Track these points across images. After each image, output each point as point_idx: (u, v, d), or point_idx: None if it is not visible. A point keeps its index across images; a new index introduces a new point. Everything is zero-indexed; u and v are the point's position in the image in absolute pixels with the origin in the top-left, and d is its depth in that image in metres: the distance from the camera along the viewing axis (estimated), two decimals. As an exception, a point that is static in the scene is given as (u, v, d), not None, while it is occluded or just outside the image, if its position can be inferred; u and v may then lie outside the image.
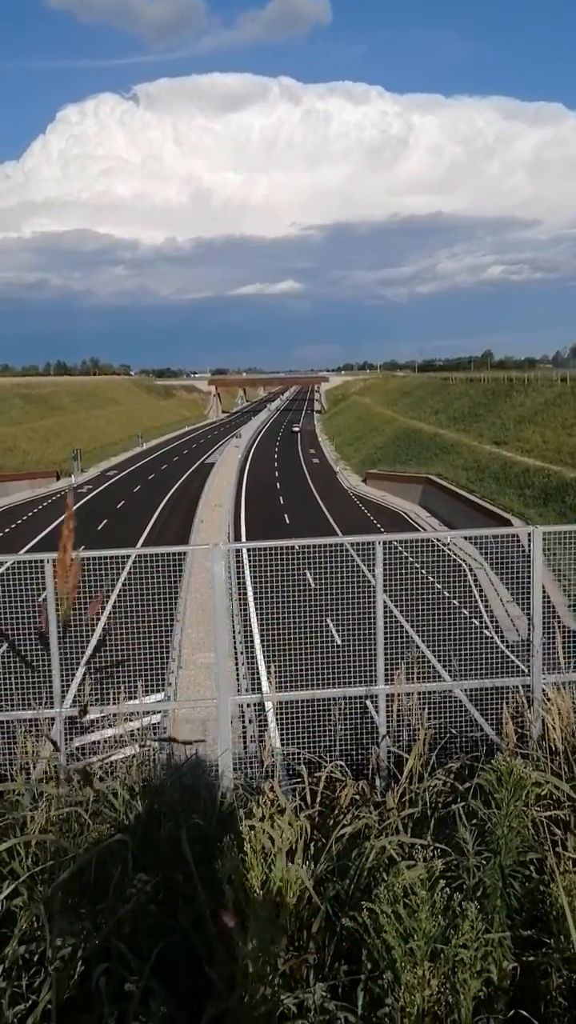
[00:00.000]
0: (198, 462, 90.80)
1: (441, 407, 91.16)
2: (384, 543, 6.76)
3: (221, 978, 2.52)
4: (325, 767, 4.31)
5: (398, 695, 6.11)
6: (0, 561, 7.13)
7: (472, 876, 2.88)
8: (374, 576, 7.02)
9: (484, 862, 2.97)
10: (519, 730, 5.17)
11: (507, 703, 5.51)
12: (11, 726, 5.88)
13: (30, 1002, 2.49)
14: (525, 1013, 2.35)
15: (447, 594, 13.52)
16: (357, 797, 4.10)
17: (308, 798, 4.02)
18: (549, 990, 2.54)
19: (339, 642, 10.46)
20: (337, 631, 12.20)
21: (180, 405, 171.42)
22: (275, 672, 7.08)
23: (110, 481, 77.70)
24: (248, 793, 4.54)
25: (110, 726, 6.16)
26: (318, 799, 3.98)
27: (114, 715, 6.15)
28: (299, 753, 4.91)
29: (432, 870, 2.51)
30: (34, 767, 4.73)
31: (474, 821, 3.32)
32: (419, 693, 6.35)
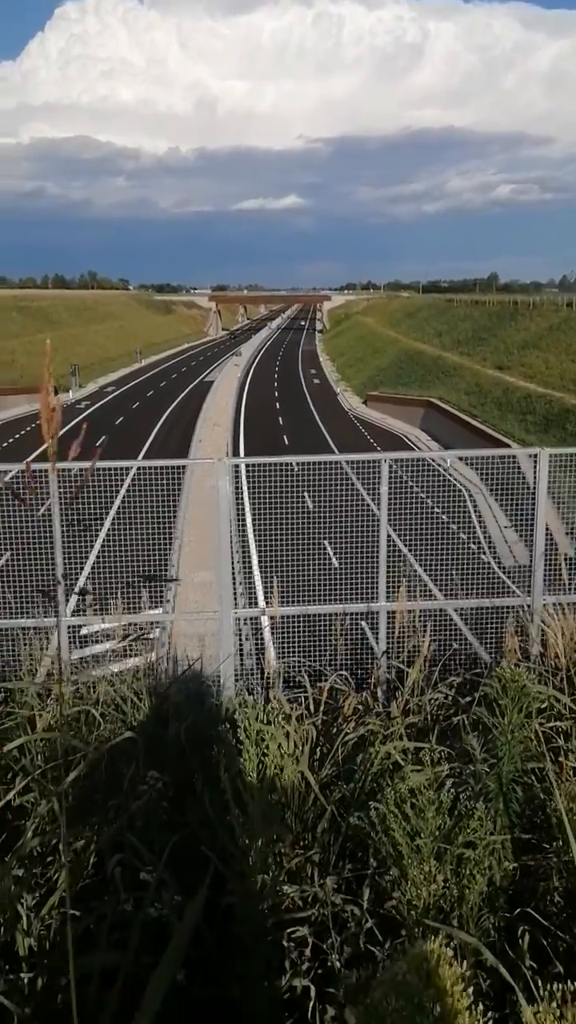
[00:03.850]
0: (197, 380, 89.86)
1: (445, 329, 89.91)
2: (389, 462, 6.74)
3: (231, 873, 2.60)
4: (328, 677, 4.38)
5: (398, 613, 6.16)
6: (4, 470, 7.10)
7: (477, 781, 2.95)
8: (377, 495, 7.02)
9: (487, 769, 3.04)
10: (519, 649, 5.23)
11: (508, 621, 5.56)
12: (15, 633, 5.95)
13: (45, 889, 2.57)
14: (532, 912, 2.43)
15: (445, 518, 13.49)
16: (360, 707, 4.17)
17: (311, 707, 4.08)
18: (548, 891, 2.63)
19: (336, 564, 10.52)
20: (334, 554, 12.24)
21: (179, 321, 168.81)
22: (276, 588, 7.11)
23: (108, 397, 77.00)
24: (251, 701, 4.61)
25: (111, 639, 6.24)
26: (321, 708, 4.04)
27: (115, 628, 6.22)
28: (301, 663, 4.98)
29: (438, 774, 2.57)
30: (39, 669, 4.80)
31: (476, 732, 3.38)
32: (419, 613, 6.41)
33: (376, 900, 2.54)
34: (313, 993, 2.22)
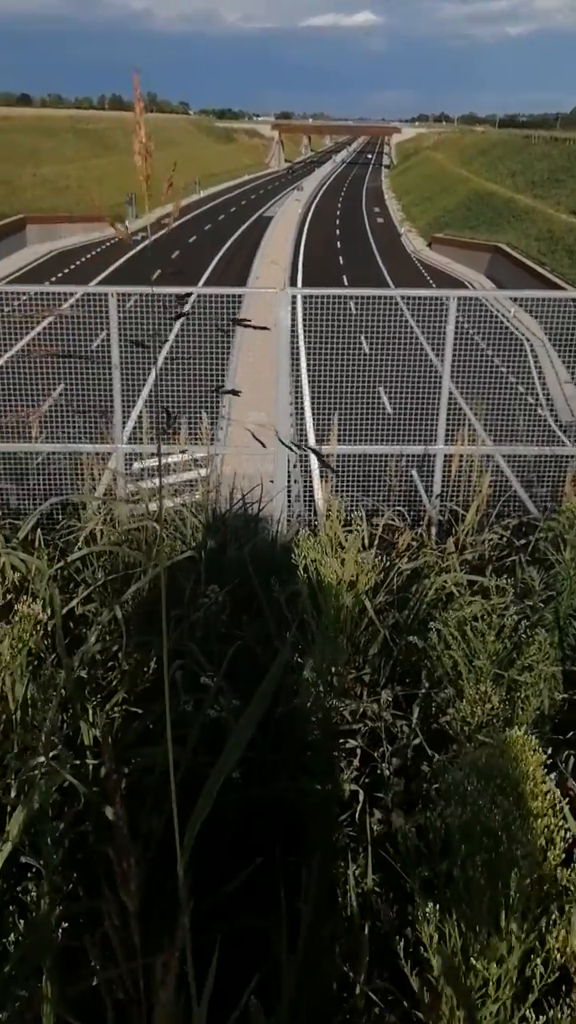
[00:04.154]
0: (256, 214, 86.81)
1: (519, 169, 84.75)
2: (459, 300, 6.51)
3: (286, 686, 2.69)
4: (383, 513, 4.39)
5: (454, 460, 6.11)
6: (69, 292, 7.02)
7: (533, 613, 2.98)
8: (434, 340, 6.85)
9: (543, 603, 3.06)
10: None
11: (570, 467, 5.49)
12: (76, 458, 6.06)
13: (107, 692, 2.69)
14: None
15: (504, 369, 13.14)
16: (414, 543, 4.19)
17: (365, 542, 4.11)
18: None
19: (390, 411, 10.39)
20: (389, 400, 12.10)
21: (241, 151, 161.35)
22: (333, 428, 7.07)
23: (165, 230, 74.93)
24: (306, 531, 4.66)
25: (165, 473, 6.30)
26: (375, 542, 4.07)
27: (170, 461, 6.26)
28: (357, 500, 5.00)
29: (495, 605, 2.59)
30: (99, 489, 4.89)
31: (533, 569, 3.40)
32: (477, 459, 6.34)
33: (425, 720, 2.63)
34: (362, 797, 2.33)
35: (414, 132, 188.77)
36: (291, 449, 6.86)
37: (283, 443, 6.51)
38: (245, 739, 1.62)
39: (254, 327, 2.30)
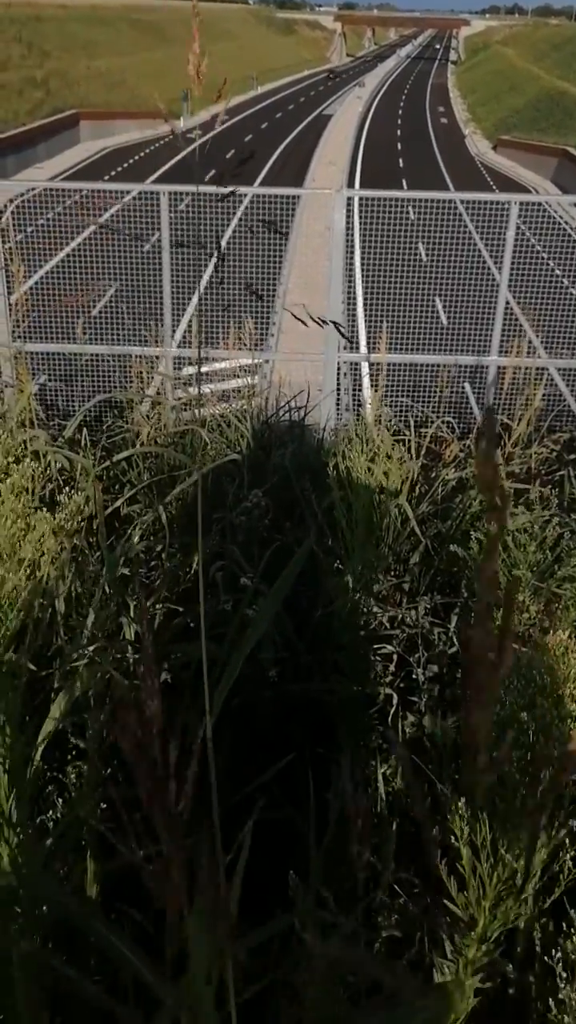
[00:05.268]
0: (315, 112, 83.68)
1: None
2: (520, 205, 6.25)
3: (324, 592, 2.72)
4: (432, 423, 4.33)
5: (508, 372, 5.97)
6: (122, 191, 6.90)
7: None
8: (493, 248, 6.62)
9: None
10: None
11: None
12: (125, 360, 6.04)
13: (149, 591, 2.74)
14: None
15: (565, 281, 12.68)
16: (461, 454, 4.14)
17: (412, 451, 4.07)
18: None
19: (445, 323, 10.13)
20: (444, 311, 11.78)
21: (301, 44, 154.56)
22: (384, 335, 6.93)
23: (221, 128, 72.75)
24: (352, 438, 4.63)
25: (212, 382, 6.28)
26: (422, 452, 4.02)
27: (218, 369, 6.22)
28: (407, 408, 4.93)
29: (539, 517, 2.55)
30: (147, 389, 4.88)
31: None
32: (533, 372, 6.20)
33: (461, 629, 2.63)
34: (395, 700, 2.36)
35: (484, 25, 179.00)
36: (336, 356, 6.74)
37: (332, 346, 6.41)
38: (270, 613, 1.64)
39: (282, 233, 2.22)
